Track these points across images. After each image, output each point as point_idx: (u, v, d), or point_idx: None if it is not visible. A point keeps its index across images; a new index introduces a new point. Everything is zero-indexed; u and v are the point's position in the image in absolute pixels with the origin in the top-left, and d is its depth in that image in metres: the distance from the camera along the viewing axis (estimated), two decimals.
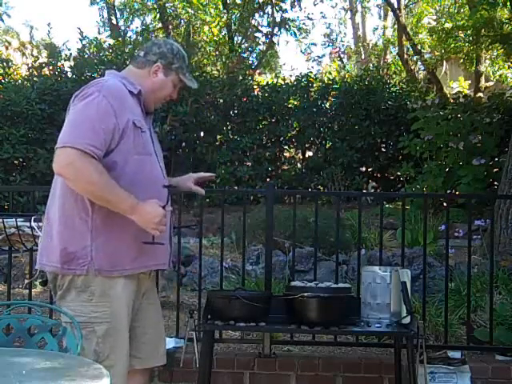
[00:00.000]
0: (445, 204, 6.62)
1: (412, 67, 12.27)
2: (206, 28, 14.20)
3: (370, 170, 9.24)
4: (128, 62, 3.22)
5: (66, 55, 9.48)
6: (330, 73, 11.53)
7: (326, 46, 19.78)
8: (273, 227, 3.58)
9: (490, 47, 9.38)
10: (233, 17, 13.67)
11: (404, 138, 7.98)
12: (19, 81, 8.99)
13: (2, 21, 17.14)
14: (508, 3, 7.39)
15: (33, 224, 3.03)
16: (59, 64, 9.10)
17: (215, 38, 14.14)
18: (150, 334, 2.48)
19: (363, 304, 2.92)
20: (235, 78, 9.52)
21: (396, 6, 11.59)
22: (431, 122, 7.57)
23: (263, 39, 14.36)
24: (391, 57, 15.66)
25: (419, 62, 12.36)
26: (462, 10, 11.69)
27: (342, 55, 19.06)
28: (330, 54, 19.27)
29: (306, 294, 2.70)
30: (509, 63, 10.96)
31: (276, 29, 14.20)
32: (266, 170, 8.93)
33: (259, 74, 13.87)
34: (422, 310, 3.57)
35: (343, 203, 7.66)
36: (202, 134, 8.95)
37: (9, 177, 7.95)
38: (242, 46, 14.08)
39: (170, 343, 3.37)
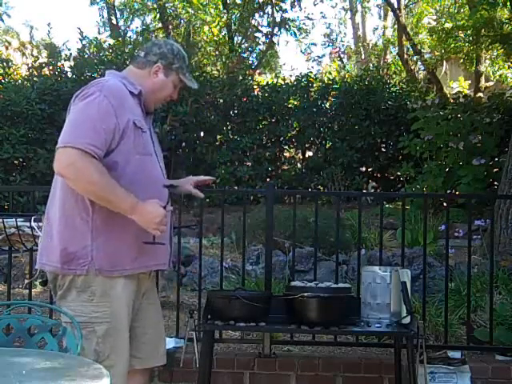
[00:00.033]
0: (445, 204, 6.62)
1: (412, 67, 12.27)
2: (206, 28, 14.21)
3: (370, 169, 9.24)
4: (128, 62, 3.22)
5: (66, 55, 9.49)
6: (330, 73, 11.53)
7: (326, 46, 19.81)
8: (273, 227, 3.58)
9: (490, 47, 9.38)
10: (233, 17, 13.67)
11: (404, 138, 7.99)
12: (19, 81, 8.99)
13: (2, 21, 17.17)
14: (508, 3, 7.39)
15: (33, 224, 3.03)
16: (59, 64, 9.10)
17: (215, 38, 14.15)
18: (150, 334, 2.48)
19: (363, 304, 2.92)
20: (235, 77, 9.52)
21: (396, 5, 11.60)
22: (431, 121, 7.57)
23: (263, 39, 14.37)
24: (391, 57, 15.66)
25: (419, 62, 12.36)
26: (462, 10, 11.69)
27: (342, 55, 19.07)
28: (330, 53, 19.28)
29: (305, 294, 2.70)
30: (509, 63, 10.96)
31: (276, 29, 14.20)
32: (266, 170, 8.93)
33: (259, 74, 13.87)
34: (422, 310, 3.57)
35: (343, 203, 7.66)
36: (202, 134, 8.95)
37: (9, 177, 7.95)
38: (242, 45, 14.08)
39: (170, 343, 3.37)
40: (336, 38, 20.05)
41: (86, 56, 9.57)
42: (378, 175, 9.34)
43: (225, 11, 13.56)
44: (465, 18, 9.98)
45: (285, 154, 9.53)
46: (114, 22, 15.44)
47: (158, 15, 14.23)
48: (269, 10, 13.88)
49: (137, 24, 19.75)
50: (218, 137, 9.11)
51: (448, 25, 10.70)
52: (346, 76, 11.28)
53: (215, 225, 6.56)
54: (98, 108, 2.21)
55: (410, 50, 11.90)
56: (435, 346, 3.55)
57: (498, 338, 3.61)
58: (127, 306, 2.33)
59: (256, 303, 2.72)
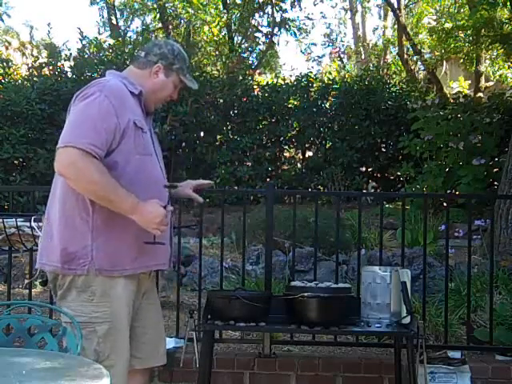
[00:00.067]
0: (445, 204, 6.62)
1: (412, 67, 12.27)
2: (206, 28, 14.21)
3: (370, 169, 9.24)
4: (128, 62, 3.22)
5: (66, 55, 9.49)
6: (330, 73, 11.53)
7: (326, 46, 19.82)
8: (273, 227, 3.58)
9: (490, 47, 9.38)
10: (233, 17, 13.67)
11: (404, 138, 7.99)
12: (19, 81, 9.00)
13: (2, 21, 17.17)
14: (508, 3, 7.39)
15: (33, 224, 3.03)
16: (59, 64, 9.10)
17: (215, 38, 14.15)
18: (150, 334, 2.48)
19: (363, 304, 2.92)
20: (235, 77, 9.52)
21: (396, 5, 11.60)
22: (431, 121, 7.57)
23: (263, 39, 14.38)
24: (391, 57, 15.66)
25: (419, 62, 12.36)
26: (462, 10, 11.69)
27: (342, 55, 19.07)
28: (330, 53, 19.28)
29: (306, 294, 2.70)
30: (509, 63, 10.96)
31: (276, 29, 14.20)
32: (266, 170, 8.93)
33: (259, 74, 13.87)
34: (422, 310, 3.57)
35: (343, 203, 7.66)
36: (202, 134, 8.95)
37: (9, 177, 7.96)
38: (242, 45, 14.08)
39: (170, 343, 3.37)
40: (336, 38, 20.09)
41: (86, 56, 9.57)
42: (378, 175, 9.34)
43: (225, 11, 13.56)
44: (465, 18, 9.98)
45: (285, 154, 9.53)
46: (114, 21, 15.44)
47: (158, 15, 14.23)
48: (269, 10, 13.89)
49: (137, 24, 19.80)
50: (218, 137, 9.11)
51: (448, 25, 10.70)
52: (346, 76, 11.28)
53: (215, 225, 6.56)
54: (98, 108, 2.21)
55: (410, 49, 11.90)
56: (435, 346, 3.55)
57: (498, 338, 3.61)
58: (127, 305, 2.33)
59: (256, 303, 2.72)
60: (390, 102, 9.09)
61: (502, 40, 8.29)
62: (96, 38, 10.86)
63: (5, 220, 3.11)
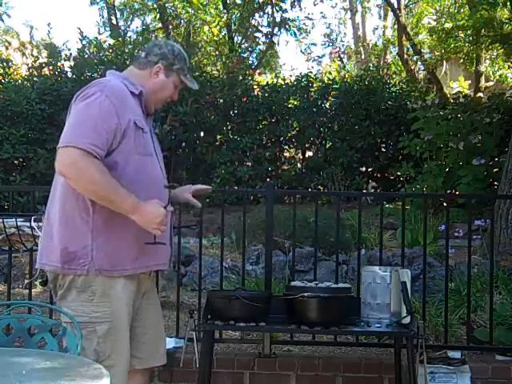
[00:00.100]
0: (445, 204, 6.62)
1: (412, 67, 12.27)
2: (206, 28, 14.21)
3: (370, 169, 9.24)
4: (128, 63, 3.22)
5: (66, 55, 9.49)
6: (330, 73, 11.53)
7: (326, 46, 19.80)
8: (273, 227, 3.58)
9: (490, 47, 9.38)
10: (233, 17, 13.67)
11: (404, 138, 7.99)
12: (19, 81, 8.99)
13: (2, 21, 17.17)
14: (508, 3, 7.39)
15: (33, 224, 3.03)
16: (59, 64, 9.10)
17: (215, 38, 14.15)
18: (150, 334, 2.49)
19: (363, 304, 2.92)
20: (235, 77, 9.52)
21: (396, 5, 11.60)
22: (431, 122, 7.57)
23: (263, 39, 14.37)
24: (391, 57, 15.66)
25: (419, 62, 12.36)
26: (462, 10, 11.69)
27: (342, 55, 19.06)
28: (330, 53, 19.28)
29: (306, 294, 2.70)
30: (509, 63, 10.96)
31: (276, 29, 14.20)
32: (266, 170, 8.93)
33: (259, 74, 13.87)
34: (422, 310, 3.57)
35: (343, 203, 7.66)
36: (202, 134, 8.95)
37: (9, 177, 7.96)
38: (242, 45, 14.08)
39: (170, 343, 3.37)
40: (336, 38, 20.08)
41: (86, 56, 9.57)
42: (378, 175, 9.34)
43: (225, 11, 13.56)
44: (465, 18, 9.98)
45: (285, 154, 9.53)
46: (114, 21, 15.43)
47: (158, 15, 14.23)
48: (269, 10, 13.89)
49: (137, 24, 19.79)
50: (218, 137, 9.11)
51: (448, 25, 10.70)
52: (346, 76, 11.27)
53: (215, 225, 6.56)
54: (99, 108, 2.21)
55: (410, 49, 11.90)
56: (435, 346, 3.55)
57: (498, 338, 3.61)
58: (127, 305, 2.33)
59: (256, 303, 2.72)
60: (389, 102, 9.09)
61: (502, 40, 8.29)
62: (96, 38, 10.86)
63: (5, 220, 3.11)
